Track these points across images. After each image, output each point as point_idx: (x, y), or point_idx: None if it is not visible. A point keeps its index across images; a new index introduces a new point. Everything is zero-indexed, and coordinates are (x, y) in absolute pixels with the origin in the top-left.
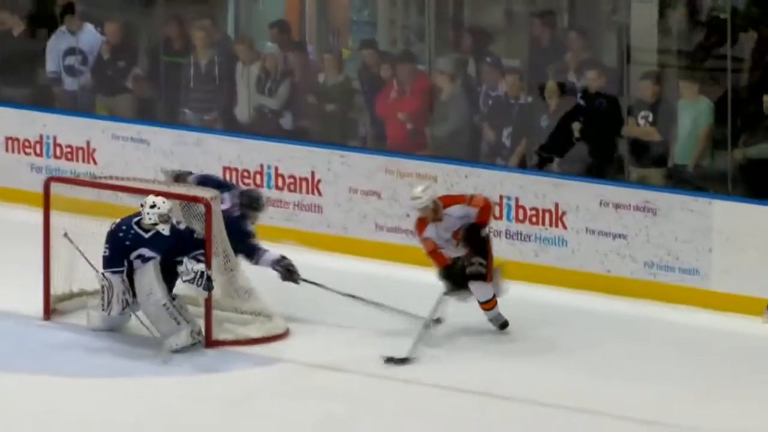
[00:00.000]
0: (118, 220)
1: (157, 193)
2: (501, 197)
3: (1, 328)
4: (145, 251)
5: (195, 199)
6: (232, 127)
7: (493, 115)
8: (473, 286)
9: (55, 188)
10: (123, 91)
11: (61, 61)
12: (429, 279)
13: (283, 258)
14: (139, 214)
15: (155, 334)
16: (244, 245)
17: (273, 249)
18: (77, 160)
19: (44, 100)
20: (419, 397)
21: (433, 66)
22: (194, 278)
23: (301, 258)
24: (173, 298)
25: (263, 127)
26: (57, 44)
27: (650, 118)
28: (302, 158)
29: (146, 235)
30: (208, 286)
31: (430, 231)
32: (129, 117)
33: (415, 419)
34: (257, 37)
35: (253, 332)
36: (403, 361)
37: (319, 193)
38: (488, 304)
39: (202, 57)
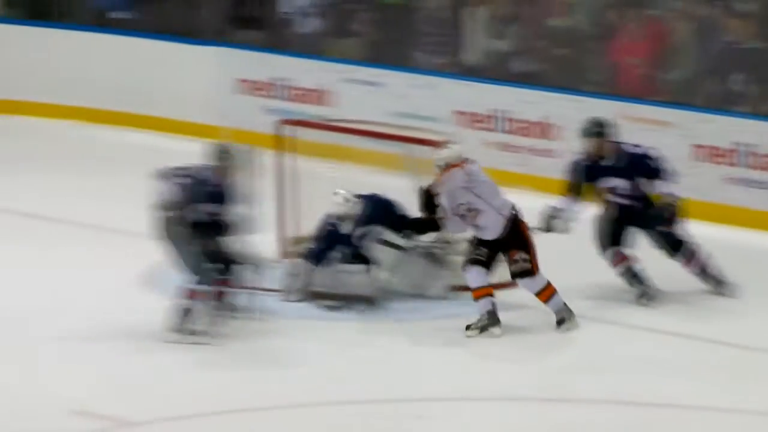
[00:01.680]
0: (325, 218)
1: (387, 136)
2: (736, 144)
3: None
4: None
5: (424, 142)
6: (463, 71)
7: (726, 60)
8: (521, 282)
9: (288, 131)
10: (353, 33)
11: (296, 2)
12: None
13: None
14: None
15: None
16: None
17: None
18: (310, 103)
19: (277, 42)
20: (679, 350)
21: (665, 10)
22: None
23: (534, 203)
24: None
25: (494, 71)
26: None
27: None
28: (535, 103)
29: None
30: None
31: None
32: (360, 60)
33: (680, 374)
34: None
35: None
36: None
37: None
38: (543, 294)
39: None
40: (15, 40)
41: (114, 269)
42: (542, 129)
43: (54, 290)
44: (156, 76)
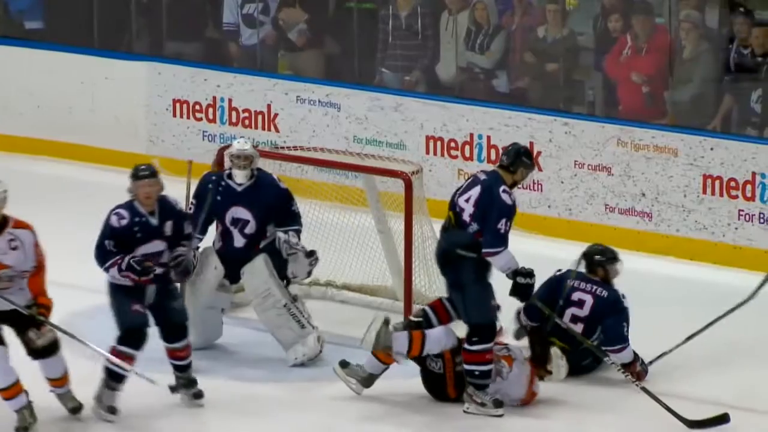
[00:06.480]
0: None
1: (346, 166)
2: (753, 175)
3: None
4: (239, 212)
5: (393, 174)
6: (436, 90)
7: (742, 76)
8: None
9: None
10: (308, 45)
11: (239, 11)
12: (667, 270)
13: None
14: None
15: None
16: None
17: None
18: (256, 127)
19: (218, 56)
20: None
21: (674, 18)
22: (307, 254)
23: (518, 245)
24: (294, 298)
25: (473, 90)
26: None
27: None
28: (519, 126)
29: (239, 188)
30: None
31: None
32: (316, 77)
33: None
34: None
35: None
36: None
37: (539, 168)
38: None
39: (403, 7)
40: None
41: None
42: None
43: None
44: (76, 96)
